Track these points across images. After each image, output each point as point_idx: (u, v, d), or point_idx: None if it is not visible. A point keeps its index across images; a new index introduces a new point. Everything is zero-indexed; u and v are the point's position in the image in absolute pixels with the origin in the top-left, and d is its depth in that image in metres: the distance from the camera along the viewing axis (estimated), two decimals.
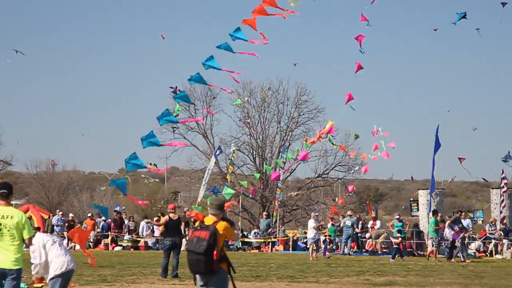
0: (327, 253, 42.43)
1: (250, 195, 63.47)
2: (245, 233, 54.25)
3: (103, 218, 51.82)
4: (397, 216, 44.07)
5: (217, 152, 54.30)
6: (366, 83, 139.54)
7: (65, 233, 48.56)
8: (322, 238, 44.46)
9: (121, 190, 17.01)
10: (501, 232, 45.41)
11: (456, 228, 40.49)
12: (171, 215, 29.03)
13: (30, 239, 13.76)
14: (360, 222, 49.66)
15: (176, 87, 45.78)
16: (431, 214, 42.48)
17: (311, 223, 40.95)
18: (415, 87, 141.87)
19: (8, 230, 13.37)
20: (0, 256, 13.36)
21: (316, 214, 42.94)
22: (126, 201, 78.45)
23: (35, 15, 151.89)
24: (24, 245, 13.80)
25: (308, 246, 42.91)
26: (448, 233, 41.16)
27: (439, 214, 42.71)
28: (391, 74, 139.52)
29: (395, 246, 41.18)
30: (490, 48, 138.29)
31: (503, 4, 35.68)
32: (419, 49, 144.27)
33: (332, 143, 52.31)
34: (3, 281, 13.40)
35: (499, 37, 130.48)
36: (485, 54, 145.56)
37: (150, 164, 69.78)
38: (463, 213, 49.57)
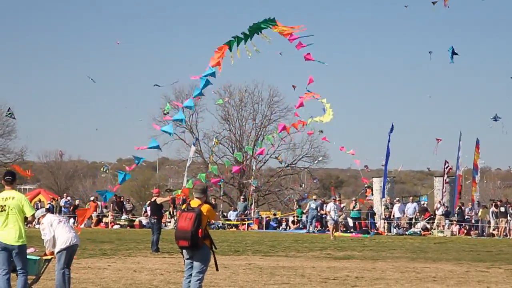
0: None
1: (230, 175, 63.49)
2: (224, 213, 54.25)
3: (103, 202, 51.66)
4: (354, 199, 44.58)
5: (194, 141, 55.73)
6: (328, 77, 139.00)
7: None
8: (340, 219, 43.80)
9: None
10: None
11: None
12: (153, 198, 29.12)
13: (33, 216, 13.79)
14: (324, 205, 49.71)
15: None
16: None
17: (332, 205, 40.30)
18: (372, 83, 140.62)
19: (12, 210, 13.44)
20: (4, 233, 13.41)
21: (334, 198, 42.38)
22: (123, 187, 78.18)
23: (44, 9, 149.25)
24: (26, 223, 13.83)
25: (328, 226, 42.39)
26: None
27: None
28: (351, 67, 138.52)
29: None
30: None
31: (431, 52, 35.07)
32: (379, 45, 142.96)
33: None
34: (9, 254, 13.49)
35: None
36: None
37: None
38: (410, 198, 49.80)
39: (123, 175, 18.33)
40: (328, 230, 42.34)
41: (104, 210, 53.19)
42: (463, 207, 46.39)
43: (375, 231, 45.72)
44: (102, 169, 72.80)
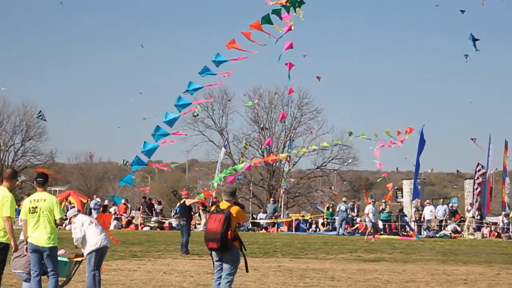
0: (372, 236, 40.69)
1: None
2: (254, 215, 54.26)
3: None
4: (384, 201, 44.57)
5: (225, 143, 55.93)
6: (358, 80, 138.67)
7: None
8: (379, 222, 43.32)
9: (129, 183, 17.19)
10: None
11: None
12: (182, 200, 29.26)
13: (61, 219, 13.86)
14: (355, 206, 49.65)
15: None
16: None
17: (370, 208, 39.88)
18: (401, 85, 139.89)
19: (43, 212, 13.52)
20: (36, 235, 13.48)
21: (373, 201, 42.00)
22: (152, 189, 78.71)
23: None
24: (56, 225, 13.90)
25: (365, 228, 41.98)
26: None
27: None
28: (382, 71, 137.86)
29: None
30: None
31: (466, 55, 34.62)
32: (409, 48, 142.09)
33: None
34: (40, 256, 13.55)
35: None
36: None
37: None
38: (440, 200, 49.50)
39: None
40: (358, 233, 42.27)
41: (134, 213, 53.39)
42: (482, 209, 46.17)
43: (418, 235, 45.07)
44: (123, 161, 72.91)
